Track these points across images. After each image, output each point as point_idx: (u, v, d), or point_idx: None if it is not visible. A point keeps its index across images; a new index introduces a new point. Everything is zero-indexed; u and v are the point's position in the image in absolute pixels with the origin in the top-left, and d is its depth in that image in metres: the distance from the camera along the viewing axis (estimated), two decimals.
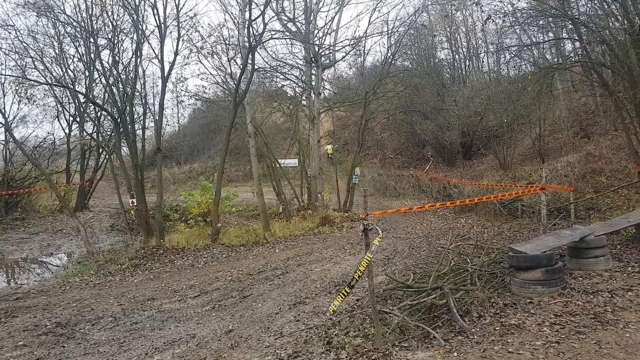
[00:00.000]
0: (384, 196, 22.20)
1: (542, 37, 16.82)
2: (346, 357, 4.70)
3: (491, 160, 22.63)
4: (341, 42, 22.12)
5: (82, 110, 18.92)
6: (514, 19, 12.17)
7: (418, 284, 6.38)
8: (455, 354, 4.42)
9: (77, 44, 14.78)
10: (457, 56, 32.37)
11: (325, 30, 18.98)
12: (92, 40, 13.16)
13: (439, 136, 25.33)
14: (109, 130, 18.40)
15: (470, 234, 11.59)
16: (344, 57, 20.99)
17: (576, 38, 11.77)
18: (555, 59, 19.11)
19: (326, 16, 39.88)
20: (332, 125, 28.53)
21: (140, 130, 14.00)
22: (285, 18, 17.90)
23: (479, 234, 11.18)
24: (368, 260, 4.79)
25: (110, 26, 13.00)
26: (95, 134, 17.94)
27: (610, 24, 10.97)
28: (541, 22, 12.39)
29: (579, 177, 13.58)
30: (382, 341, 4.82)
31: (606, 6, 10.92)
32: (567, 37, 13.35)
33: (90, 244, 12.55)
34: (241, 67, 13.72)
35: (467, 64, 32.19)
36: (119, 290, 8.59)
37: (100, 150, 19.60)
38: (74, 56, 17.03)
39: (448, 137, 24.74)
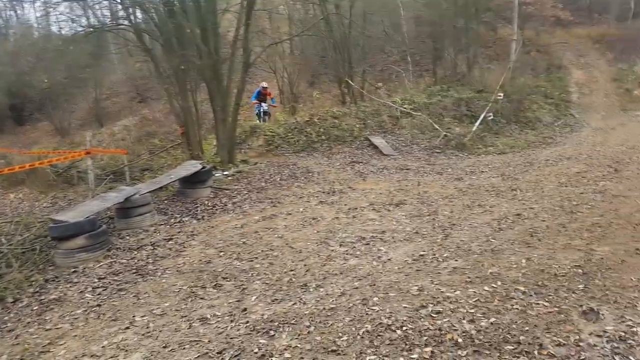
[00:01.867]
0: None
1: None
2: None
3: (48, 126, 20.50)
4: None
5: None
6: None
7: None
8: None
9: None
10: None
11: None
12: None
13: None
14: None
15: (19, 209, 10.03)
16: None
17: (121, 2, 11.67)
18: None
19: None
20: None
21: None
22: None
23: (29, 208, 9.82)
24: None
25: None
26: None
27: None
28: None
29: (135, 140, 14.14)
30: None
31: None
32: None
33: None
34: None
35: (9, 13, 27.34)
36: None
37: None
38: None
39: None
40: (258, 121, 13.70)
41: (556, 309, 3.36)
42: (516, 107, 13.99)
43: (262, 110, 13.65)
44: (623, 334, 2.95)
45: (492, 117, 13.21)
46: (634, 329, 2.99)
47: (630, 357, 2.71)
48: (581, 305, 3.36)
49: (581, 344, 2.90)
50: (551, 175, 8.22)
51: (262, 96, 13.67)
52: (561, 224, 5.39)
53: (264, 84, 13.97)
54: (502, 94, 13.86)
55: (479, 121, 12.92)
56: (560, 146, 11.32)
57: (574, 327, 3.10)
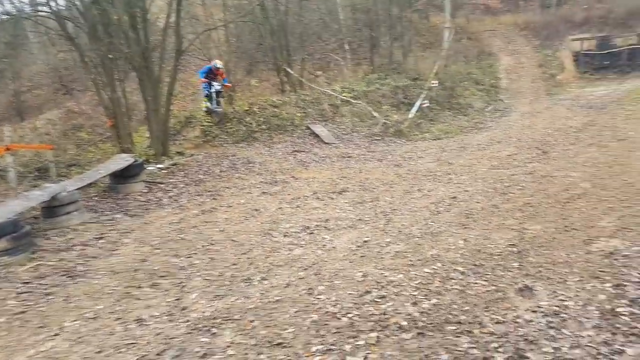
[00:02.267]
0: None
1: None
2: None
3: None
4: None
5: None
6: None
7: None
8: None
9: None
10: None
11: None
12: None
13: None
14: None
15: None
16: None
17: None
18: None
19: None
20: None
21: None
22: None
23: None
24: None
25: None
26: None
27: None
28: None
29: (61, 134, 13.24)
30: None
31: None
32: None
33: None
34: None
35: None
36: None
37: None
38: None
39: None
40: (208, 104, 11.66)
41: (494, 287, 3.48)
42: (449, 94, 14.47)
43: (214, 90, 11.42)
44: (556, 308, 3.10)
45: (427, 104, 13.58)
46: (566, 303, 3.15)
47: (564, 330, 2.85)
48: (517, 283, 3.51)
49: (518, 320, 3.01)
50: (483, 158, 8.56)
51: (212, 75, 11.44)
52: (494, 205, 5.61)
53: (218, 64, 11.53)
54: (436, 82, 14.27)
55: (414, 108, 13.24)
56: (491, 131, 11.83)
57: (511, 304, 3.22)
